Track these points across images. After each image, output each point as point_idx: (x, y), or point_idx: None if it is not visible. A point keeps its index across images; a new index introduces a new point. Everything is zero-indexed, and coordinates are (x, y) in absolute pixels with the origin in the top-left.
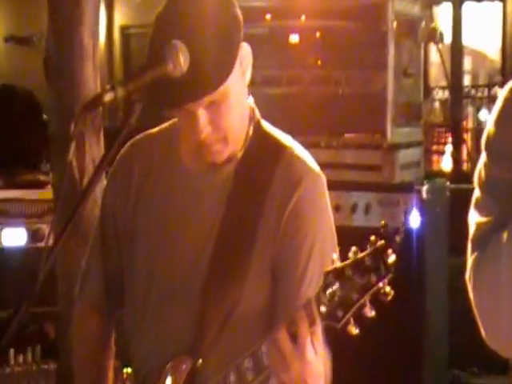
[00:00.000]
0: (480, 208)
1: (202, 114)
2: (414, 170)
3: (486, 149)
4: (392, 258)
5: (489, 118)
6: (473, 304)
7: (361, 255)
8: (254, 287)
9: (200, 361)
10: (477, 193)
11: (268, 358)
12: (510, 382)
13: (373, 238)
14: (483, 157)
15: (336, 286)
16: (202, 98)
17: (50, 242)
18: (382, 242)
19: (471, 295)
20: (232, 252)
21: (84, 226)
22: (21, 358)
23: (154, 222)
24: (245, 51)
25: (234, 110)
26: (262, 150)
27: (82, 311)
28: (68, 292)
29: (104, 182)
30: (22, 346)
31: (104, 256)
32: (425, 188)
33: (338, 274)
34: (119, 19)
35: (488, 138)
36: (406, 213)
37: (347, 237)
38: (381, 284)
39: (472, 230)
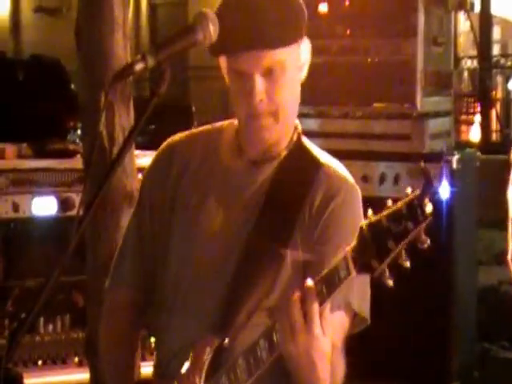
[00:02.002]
0: None
1: (259, 79)
2: (444, 139)
3: None
4: (430, 207)
5: None
6: None
7: (397, 205)
8: (287, 280)
9: (226, 340)
10: None
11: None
12: None
13: (409, 189)
14: None
15: (372, 238)
16: (267, 48)
17: (81, 211)
18: (419, 190)
19: None
20: (266, 245)
21: (113, 196)
22: (50, 327)
23: (189, 213)
24: (306, 45)
25: (288, 88)
26: (302, 158)
27: (113, 302)
28: (97, 261)
29: (134, 151)
30: (52, 314)
31: (139, 245)
32: (455, 158)
33: (373, 226)
34: None
35: None
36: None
37: (375, 208)
38: (417, 230)
39: None
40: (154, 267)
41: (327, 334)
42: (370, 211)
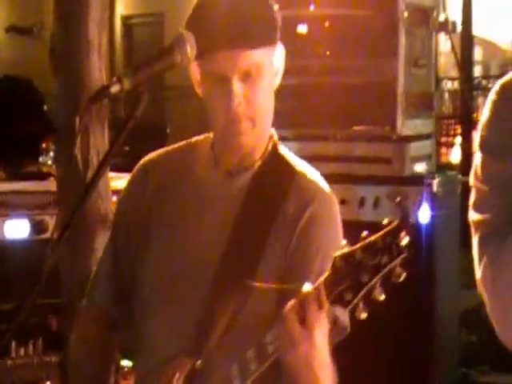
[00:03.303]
0: (484, 206)
1: (237, 83)
2: (425, 162)
3: (484, 149)
4: (405, 240)
5: (481, 119)
6: (487, 304)
7: (372, 238)
8: (260, 294)
9: (199, 361)
10: (477, 192)
11: (272, 346)
12: None
13: (385, 220)
14: (479, 157)
15: (345, 270)
16: (247, 47)
17: (55, 234)
18: (395, 223)
19: (485, 294)
20: (241, 258)
21: (88, 219)
22: (22, 351)
23: (165, 228)
24: (281, 50)
25: (265, 93)
26: (277, 167)
27: (87, 318)
28: (71, 284)
29: (108, 174)
30: (24, 338)
31: (115, 265)
32: (436, 181)
33: (347, 257)
34: (121, 9)
35: (485, 138)
36: (416, 206)
37: (355, 231)
38: (392, 265)
39: (480, 228)
40: (130, 286)
41: (326, 342)
42: (344, 242)
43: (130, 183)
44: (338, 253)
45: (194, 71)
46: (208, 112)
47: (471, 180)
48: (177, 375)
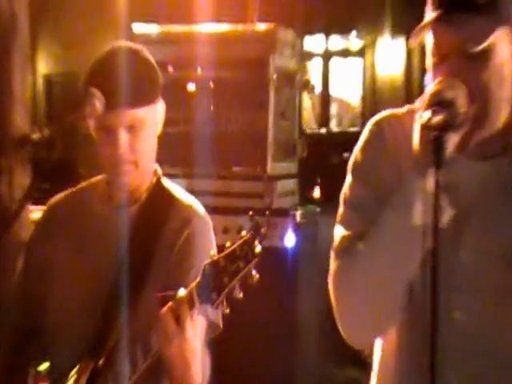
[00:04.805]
0: (344, 222)
1: (123, 134)
2: (290, 197)
3: (353, 172)
4: (258, 248)
5: (356, 146)
6: (333, 303)
7: (232, 247)
8: (147, 311)
9: (101, 361)
10: (342, 210)
11: (155, 343)
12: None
13: (243, 232)
14: (349, 179)
15: (212, 275)
16: (130, 107)
17: None
18: (249, 234)
19: (332, 296)
20: (130, 279)
21: (10, 249)
22: None
23: (65, 264)
24: (162, 107)
25: (147, 140)
26: (160, 197)
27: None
28: None
29: (29, 206)
30: None
31: (25, 297)
32: (299, 213)
33: (214, 264)
34: (42, 68)
35: (355, 164)
36: (283, 233)
37: None
38: (248, 268)
39: (336, 241)
40: (40, 314)
41: (197, 336)
42: (212, 252)
43: (39, 222)
44: (207, 261)
45: (89, 121)
46: (99, 155)
47: (341, 197)
48: (84, 372)
